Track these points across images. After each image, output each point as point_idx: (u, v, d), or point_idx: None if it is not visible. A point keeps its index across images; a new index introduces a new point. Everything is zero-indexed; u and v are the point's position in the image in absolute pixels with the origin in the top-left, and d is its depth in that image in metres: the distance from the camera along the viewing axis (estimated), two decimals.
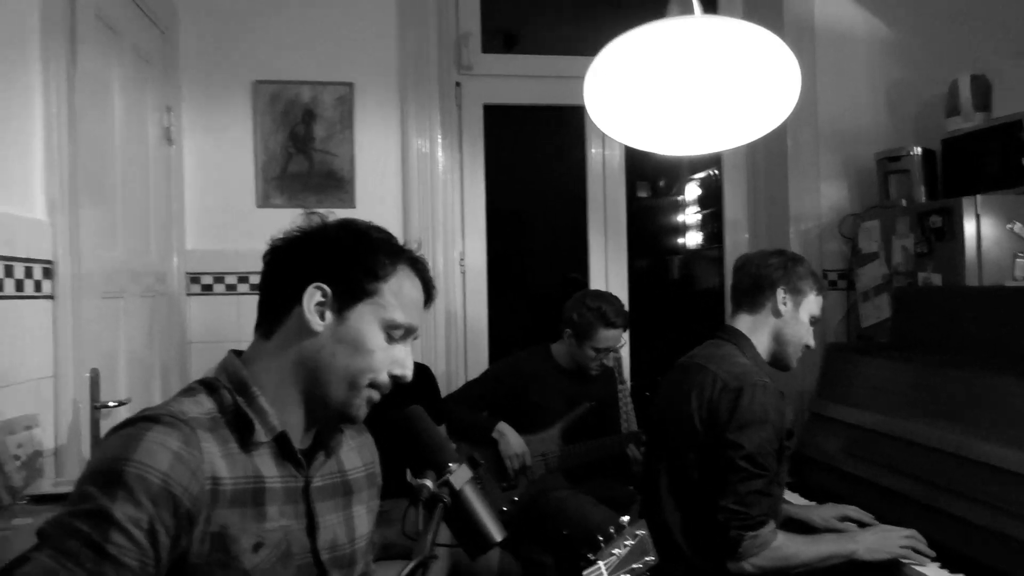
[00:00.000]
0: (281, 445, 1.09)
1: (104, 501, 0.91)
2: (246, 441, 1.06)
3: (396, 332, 1.12)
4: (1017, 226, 2.51)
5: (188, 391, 1.09)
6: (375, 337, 1.11)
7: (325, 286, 1.09)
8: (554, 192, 3.79)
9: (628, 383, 3.19)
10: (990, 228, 2.52)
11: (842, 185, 3.23)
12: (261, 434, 1.07)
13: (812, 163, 3.20)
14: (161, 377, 2.58)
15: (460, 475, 1.00)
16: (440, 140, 3.05)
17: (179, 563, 0.97)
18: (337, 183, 2.96)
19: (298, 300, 1.09)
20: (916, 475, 2.06)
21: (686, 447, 1.90)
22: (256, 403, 1.08)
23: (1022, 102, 2.64)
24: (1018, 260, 2.51)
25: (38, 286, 1.83)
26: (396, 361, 1.12)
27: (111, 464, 0.94)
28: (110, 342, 2.19)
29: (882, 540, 1.86)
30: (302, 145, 2.94)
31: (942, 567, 1.79)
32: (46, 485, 1.70)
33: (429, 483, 0.94)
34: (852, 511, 2.09)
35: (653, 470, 2.03)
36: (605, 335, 2.70)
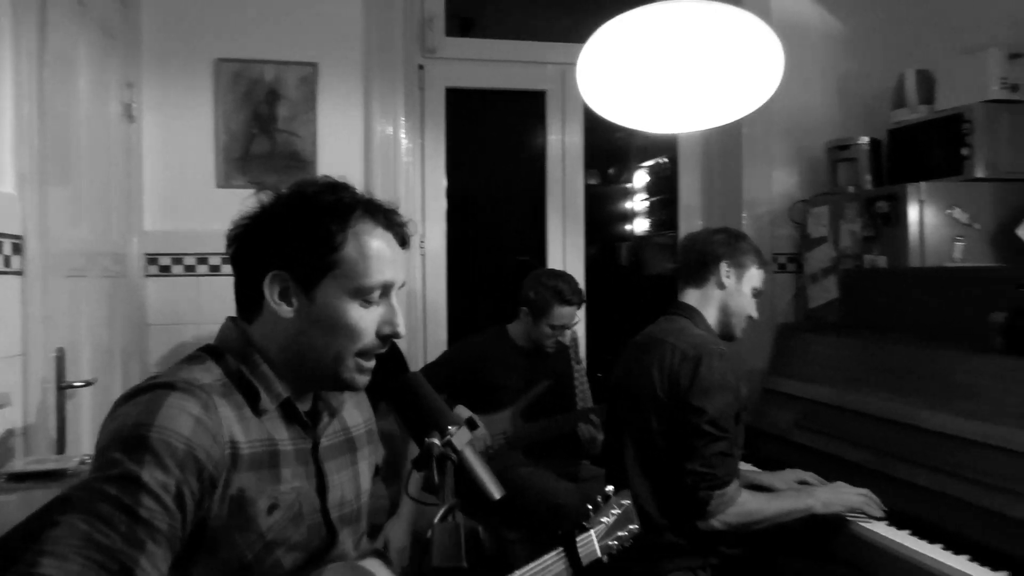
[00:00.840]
0: (287, 409, 1.12)
1: (132, 466, 0.93)
2: (255, 406, 1.08)
3: (371, 295, 1.11)
4: (956, 212, 2.67)
5: (194, 358, 1.11)
6: (349, 309, 1.10)
7: (283, 273, 1.09)
8: (513, 176, 3.84)
9: (584, 362, 3.28)
10: (932, 214, 2.67)
11: (793, 172, 3.37)
12: (267, 401, 1.09)
13: (765, 151, 3.33)
14: (121, 358, 2.57)
15: (461, 436, 1.05)
16: (403, 123, 3.08)
17: (198, 527, 0.99)
18: (300, 164, 2.97)
19: (263, 291, 1.10)
20: (864, 444, 2.20)
21: (650, 417, 2.00)
22: (259, 371, 1.10)
23: (963, 96, 2.79)
24: (956, 243, 2.67)
25: (7, 261, 1.82)
26: (383, 320, 1.12)
27: (134, 430, 0.95)
28: (74, 322, 2.18)
29: (837, 495, 1.99)
30: (265, 125, 2.94)
31: (889, 524, 1.92)
32: (19, 464, 1.70)
33: (437, 442, 1.00)
34: (810, 476, 2.21)
35: (617, 443, 2.12)
36: (561, 312, 2.78)
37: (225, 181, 2.91)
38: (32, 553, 0.85)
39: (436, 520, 0.97)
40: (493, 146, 3.80)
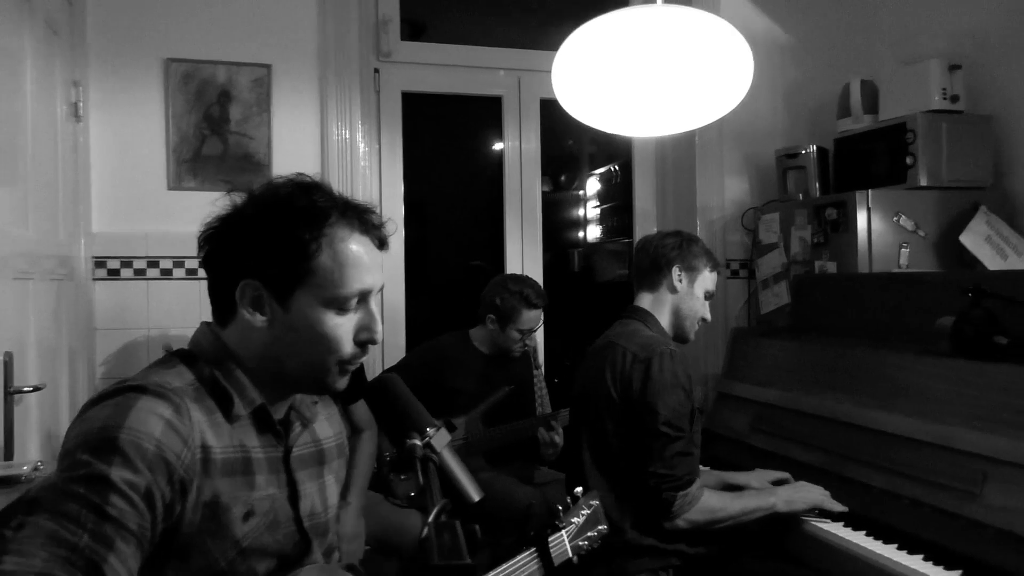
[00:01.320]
0: (260, 416, 1.10)
1: (100, 466, 0.90)
2: (228, 412, 1.06)
3: (347, 304, 1.07)
4: (902, 219, 2.76)
5: (164, 362, 1.08)
6: (325, 319, 1.06)
7: (255, 281, 1.06)
8: (470, 182, 3.85)
9: (542, 368, 3.30)
10: (879, 220, 2.75)
11: (744, 180, 3.44)
12: (240, 407, 1.07)
13: (717, 159, 3.39)
14: (69, 364, 2.48)
15: (440, 438, 1.04)
16: (360, 126, 3.05)
17: (170, 533, 0.97)
18: (254, 167, 2.91)
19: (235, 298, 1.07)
20: (818, 445, 2.25)
21: (605, 419, 2.02)
22: (233, 376, 1.08)
23: (906, 106, 2.89)
24: (903, 250, 2.76)
25: None
26: (361, 327, 1.10)
27: (103, 432, 0.93)
28: (20, 325, 2.10)
29: (798, 494, 2.03)
30: (217, 127, 2.88)
31: (845, 525, 1.97)
32: None
33: (419, 443, 0.99)
34: (782, 475, 2.24)
35: (575, 447, 2.13)
36: (528, 316, 2.80)
37: (176, 183, 2.83)
38: None
39: (430, 519, 0.96)
40: (450, 151, 3.80)
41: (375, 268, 1.11)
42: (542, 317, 2.90)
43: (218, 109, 2.88)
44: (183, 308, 2.79)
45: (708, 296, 2.21)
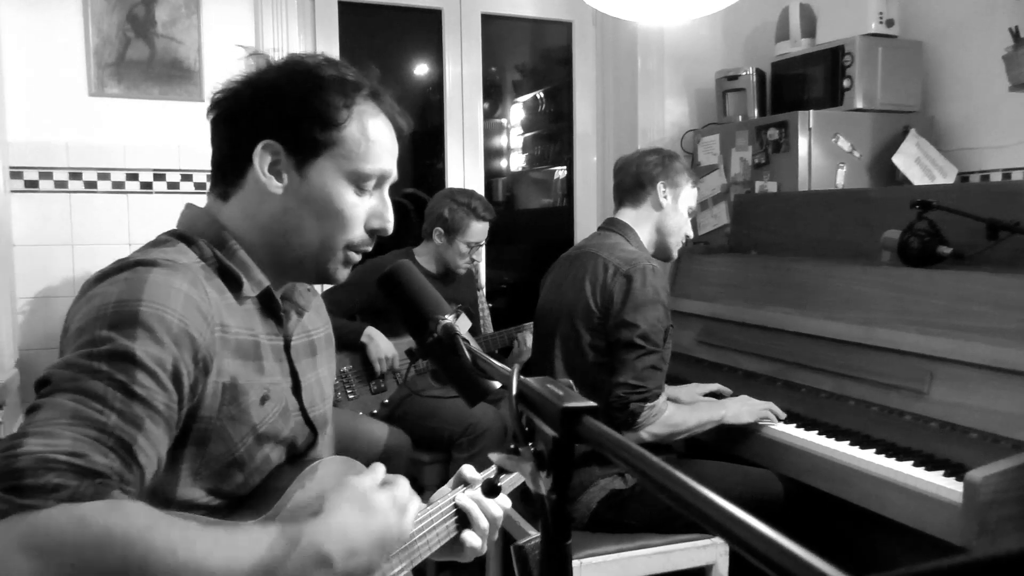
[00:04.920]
0: (264, 301, 1.02)
1: (124, 341, 0.80)
2: (237, 294, 0.98)
3: (367, 183, 1.02)
4: (840, 140, 2.82)
5: (162, 242, 0.98)
6: (343, 193, 1.01)
7: (276, 143, 0.99)
8: (410, 102, 3.71)
9: (484, 288, 3.26)
10: (817, 141, 2.80)
11: (683, 103, 3.44)
12: (248, 288, 0.99)
13: (658, 81, 3.37)
14: None
15: (462, 324, 0.99)
16: (297, 37, 2.87)
17: (190, 417, 0.89)
18: (183, 74, 2.71)
19: (251, 160, 0.99)
20: (766, 355, 2.31)
21: (580, 329, 2.00)
22: (237, 256, 1.00)
23: (842, 30, 2.93)
24: (839, 170, 2.83)
25: None
26: (373, 213, 1.04)
27: (121, 306, 0.83)
28: None
29: (743, 407, 2.08)
30: (142, 29, 2.65)
31: (798, 427, 2.04)
32: None
33: (449, 319, 0.93)
34: (715, 387, 2.30)
35: (545, 357, 2.11)
36: (477, 228, 2.75)
37: (98, 89, 2.61)
38: (10, 438, 0.72)
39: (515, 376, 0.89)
40: (388, 69, 3.64)
41: (395, 156, 1.07)
42: (487, 231, 2.85)
43: (143, 9, 2.64)
44: (110, 223, 2.60)
45: (691, 212, 2.20)
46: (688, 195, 2.17)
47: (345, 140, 1.00)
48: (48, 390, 0.77)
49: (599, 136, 3.59)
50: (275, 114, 0.99)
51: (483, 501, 1.14)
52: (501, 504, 1.16)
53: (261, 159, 0.99)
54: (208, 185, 1.07)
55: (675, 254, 2.22)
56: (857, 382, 2.01)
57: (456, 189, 2.89)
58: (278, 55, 1.06)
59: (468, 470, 1.18)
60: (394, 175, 1.07)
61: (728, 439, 2.12)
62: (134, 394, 0.79)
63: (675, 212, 2.15)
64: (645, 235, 2.15)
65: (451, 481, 1.19)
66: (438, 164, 3.50)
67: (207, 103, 1.04)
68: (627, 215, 2.16)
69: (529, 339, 2.86)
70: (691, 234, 2.22)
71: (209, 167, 1.07)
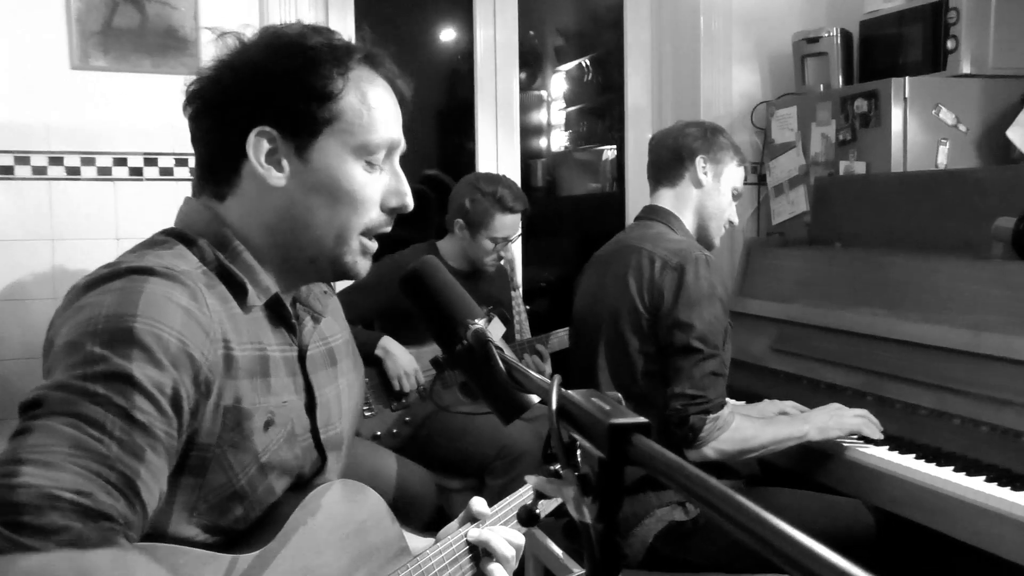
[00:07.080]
0: (273, 308, 1.03)
1: (120, 361, 0.82)
2: (242, 302, 0.99)
3: (376, 156, 1.04)
4: (942, 111, 2.76)
5: (159, 243, 0.99)
6: (352, 172, 1.03)
7: (270, 129, 1.00)
8: (436, 76, 3.73)
9: (520, 288, 3.25)
10: (915, 114, 2.74)
11: (754, 71, 3.40)
12: (255, 296, 1.00)
13: (725, 47, 3.34)
14: None
15: (495, 329, 0.98)
16: (307, 9, 2.90)
17: (186, 444, 0.90)
18: (178, 44, 2.74)
19: (244, 153, 1.00)
20: (854, 365, 2.26)
21: (627, 334, 1.98)
22: (241, 259, 1.01)
23: None
24: (941, 147, 2.77)
25: None
26: (388, 191, 1.06)
27: (113, 321, 0.84)
28: None
29: (833, 419, 2.03)
30: None
31: (891, 449, 1.99)
32: None
33: (480, 324, 0.92)
34: (789, 406, 2.26)
35: (588, 368, 2.10)
36: (503, 222, 2.72)
37: (82, 61, 2.64)
38: (2, 462, 0.73)
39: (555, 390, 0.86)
40: (410, 35, 3.66)
41: (400, 123, 1.08)
42: (520, 224, 2.82)
43: None
44: (96, 215, 2.64)
45: (736, 195, 2.19)
46: (732, 175, 2.16)
47: (344, 112, 1.01)
48: (39, 412, 0.78)
49: (654, 110, 3.57)
50: (264, 96, 1.00)
51: (502, 530, 1.14)
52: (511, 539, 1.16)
53: (256, 149, 1.00)
54: (194, 189, 1.08)
55: (717, 241, 2.21)
56: (963, 397, 1.96)
57: (482, 174, 2.88)
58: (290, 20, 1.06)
59: (478, 503, 1.19)
60: (403, 144, 1.08)
61: (808, 461, 2.08)
62: (134, 420, 0.81)
63: (716, 192, 2.15)
64: (688, 219, 2.15)
65: (459, 517, 1.19)
66: (468, 144, 3.50)
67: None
68: (666, 199, 2.16)
69: (556, 345, 2.84)
70: (735, 220, 2.22)
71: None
